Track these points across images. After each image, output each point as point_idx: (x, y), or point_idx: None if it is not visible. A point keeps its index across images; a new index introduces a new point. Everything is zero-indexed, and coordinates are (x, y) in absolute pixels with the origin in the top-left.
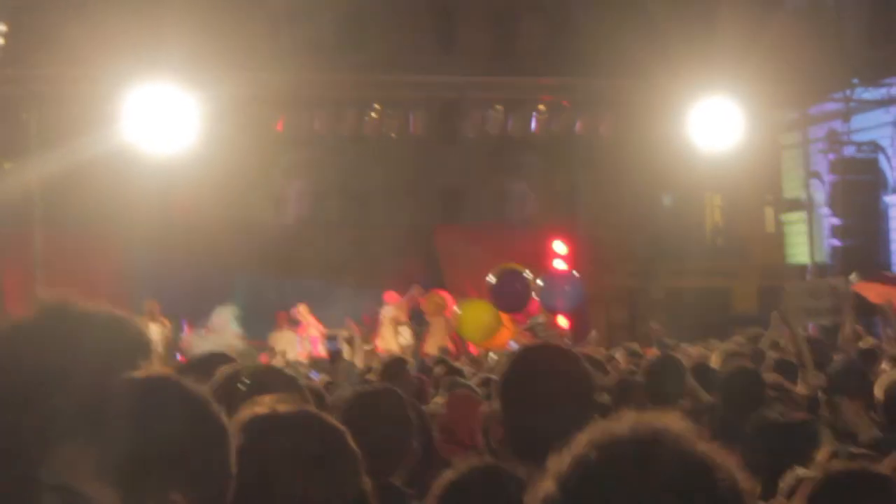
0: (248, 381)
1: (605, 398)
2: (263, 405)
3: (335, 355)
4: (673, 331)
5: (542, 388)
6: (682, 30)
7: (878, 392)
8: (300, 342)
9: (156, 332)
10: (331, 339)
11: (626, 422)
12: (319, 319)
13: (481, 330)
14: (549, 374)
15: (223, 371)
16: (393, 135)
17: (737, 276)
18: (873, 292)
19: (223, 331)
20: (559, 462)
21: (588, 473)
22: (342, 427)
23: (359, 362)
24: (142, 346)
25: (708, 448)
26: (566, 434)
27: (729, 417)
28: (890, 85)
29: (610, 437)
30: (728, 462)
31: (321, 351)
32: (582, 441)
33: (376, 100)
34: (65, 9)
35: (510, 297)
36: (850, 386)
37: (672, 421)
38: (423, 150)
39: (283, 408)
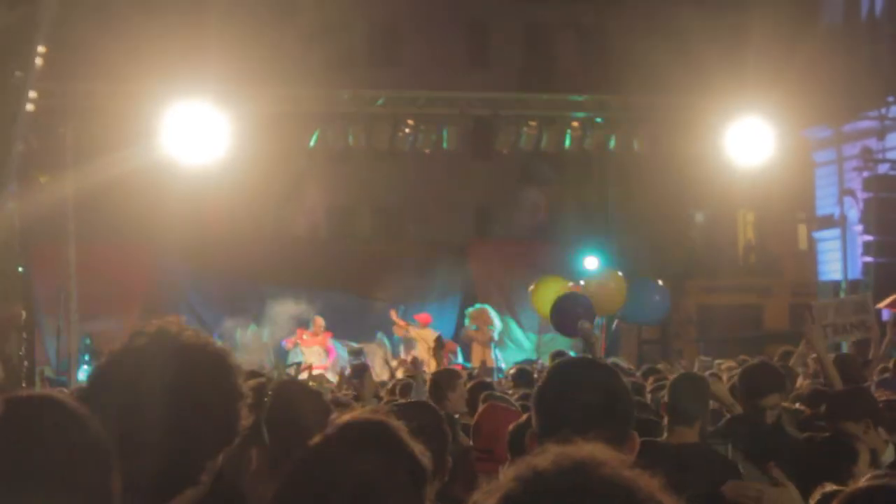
0: (271, 394)
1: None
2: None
3: (361, 370)
4: (704, 347)
5: (578, 403)
6: (716, 48)
7: None
8: (317, 355)
9: None
10: (356, 353)
11: (549, 454)
12: (348, 334)
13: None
14: (587, 388)
15: (249, 385)
16: (427, 150)
17: (769, 292)
18: None
19: (254, 346)
20: (485, 498)
21: None
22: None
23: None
24: None
25: (632, 474)
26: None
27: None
28: None
29: (533, 470)
30: (652, 486)
31: (327, 363)
32: (507, 476)
33: (410, 115)
34: (101, 25)
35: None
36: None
37: (596, 449)
38: (456, 165)
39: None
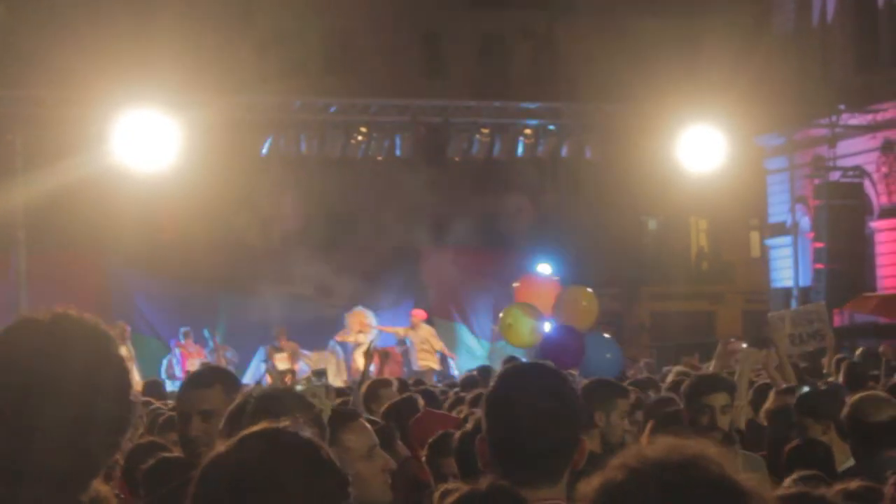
0: (254, 402)
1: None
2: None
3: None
4: (657, 353)
5: (528, 408)
6: (668, 55)
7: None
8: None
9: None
10: (319, 374)
11: (660, 445)
12: (300, 341)
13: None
14: (537, 393)
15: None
16: (379, 157)
17: (721, 299)
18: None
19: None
20: (589, 483)
21: (616, 496)
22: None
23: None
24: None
25: (740, 476)
26: (552, 453)
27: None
28: (875, 111)
29: (642, 460)
30: (761, 489)
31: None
32: (613, 464)
33: (363, 123)
34: (50, 32)
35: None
36: (821, 409)
37: (706, 446)
38: (409, 172)
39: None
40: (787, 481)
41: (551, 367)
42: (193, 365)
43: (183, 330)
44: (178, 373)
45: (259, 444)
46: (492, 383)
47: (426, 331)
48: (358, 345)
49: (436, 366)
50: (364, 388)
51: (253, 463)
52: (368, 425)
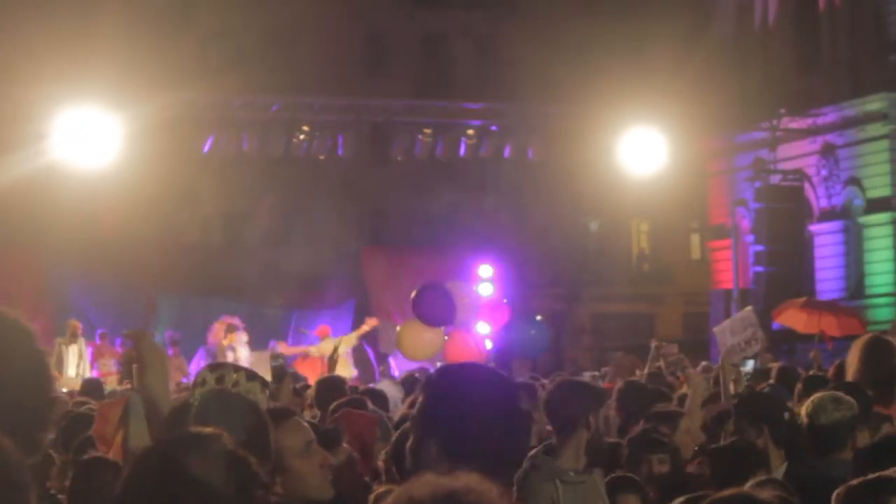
0: (199, 401)
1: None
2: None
3: (280, 374)
4: (597, 355)
5: (468, 407)
6: (611, 57)
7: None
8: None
9: (74, 352)
10: (276, 356)
11: (426, 484)
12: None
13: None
14: (476, 393)
15: (178, 398)
16: (321, 157)
17: (662, 301)
18: (800, 323)
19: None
20: None
21: None
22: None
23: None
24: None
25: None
26: (493, 454)
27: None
28: (815, 115)
29: (410, 500)
30: None
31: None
32: None
33: (305, 121)
34: None
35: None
36: (757, 412)
37: (472, 480)
38: (351, 172)
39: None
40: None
41: (488, 367)
42: (106, 366)
43: (100, 332)
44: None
45: (182, 450)
46: (434, 382)
47: (329, 344)
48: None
49: (348, 374)
50: (316, 389)
51: (176, 470)
52: (304, 423)
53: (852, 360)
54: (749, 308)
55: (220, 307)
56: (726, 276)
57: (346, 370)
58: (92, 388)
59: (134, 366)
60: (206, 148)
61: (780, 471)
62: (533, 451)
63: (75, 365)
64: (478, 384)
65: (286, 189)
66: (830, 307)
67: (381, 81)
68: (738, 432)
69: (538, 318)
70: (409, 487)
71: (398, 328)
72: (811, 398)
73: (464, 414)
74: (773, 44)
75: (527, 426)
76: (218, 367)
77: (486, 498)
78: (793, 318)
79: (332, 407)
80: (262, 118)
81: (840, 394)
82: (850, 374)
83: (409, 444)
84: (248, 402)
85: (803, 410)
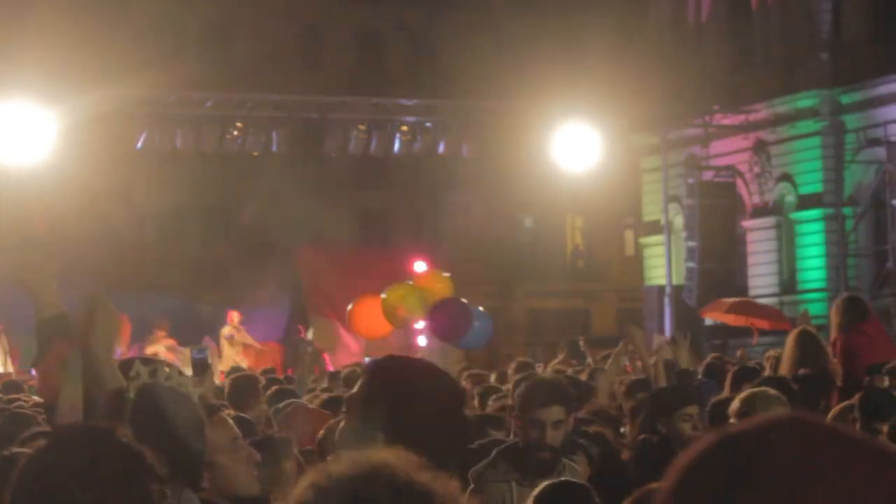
0: (134, 396)
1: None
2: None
3: (203, 366)
4: (531, 351)
5: (405, 400)
6: (545, 53)
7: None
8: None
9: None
10: (200, 350)
11: (344, 460)
12: (178, 336)
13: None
14: (416, 386)
15: (112, 388)
16: (255, 153)
17: (596, 297)
18: (729, 318)
19: None
20: None
21: None
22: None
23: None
24: None
25: (429, 478)
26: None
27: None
28: (748, 111)
29: (329, 476)
30: (450, 489)
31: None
32: (302, 483)
33: (239, 117)
34: None
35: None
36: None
37: (392, 455)
38: (285, 168)
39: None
40: None
41: (426, 363)
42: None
43: None
44: None
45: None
46: (378, 367)
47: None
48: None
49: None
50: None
51: (71, 463)
52: (229, 419)
53: (787, 354)
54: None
55: (154, 303)
56: (659, 272)
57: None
58: (12, 387)
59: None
60: (140, 144)
61: None
62: (499, 448)
63: (2, 363)
64: (423, 378)
65: (220, 186)
66: (756, 309)
67: (315, 77)
68: (645, 426)
69: (481, 308)
70: (328, 464)
71: (350, 307)
72: (742, 394)
73: (404, 405)
74: (707, 40)
75: (467, 429)
76: (150, 361)
77: (410, 473)
78: (720, 315)
79: (282, 405)
80: (195, 114)
81: (772, 390)
82: (785, 368)
83: (340, 425)
84: (182, 396)
85: (733, 406)
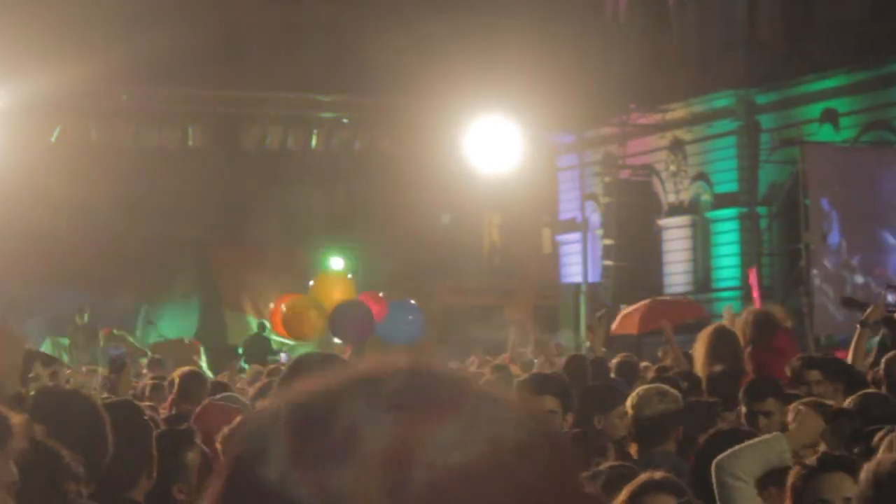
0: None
1: None
2: None
3: (119, 364)
4: (448, 347)
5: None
6: (464, 51)
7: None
8: None
9: None
10: (117, 347)
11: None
12: (95, 331)
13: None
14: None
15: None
16: (171, 147)
17: (513, 295)
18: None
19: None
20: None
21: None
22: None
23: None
24: None
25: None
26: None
27: None
28: (664, 110)
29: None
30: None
31: None
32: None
33: (154, 111)
34: None
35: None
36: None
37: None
38: (202, 163)
39: None
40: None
41: (337, 356)
42: None
43: None
44: None
45: None
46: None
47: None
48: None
49: None
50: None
51: None
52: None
53: (699, 351)
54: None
55: (67, 298)
56: (575, 270)
57: None
58: None
59: None
60: (54, 138)
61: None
62: None
63: None
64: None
65: (135, 180)
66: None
67: (231, 72)
68: (579, 421)
69: (412, 301)
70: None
71: (283, 307)
72: (636, 390)
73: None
74: (624, 39)
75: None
76: (52, 362)
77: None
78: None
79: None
80: (111, 107)
81: (665, 386)
82: (698, 365)
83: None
84: (82, 397)
85: (628, 403)
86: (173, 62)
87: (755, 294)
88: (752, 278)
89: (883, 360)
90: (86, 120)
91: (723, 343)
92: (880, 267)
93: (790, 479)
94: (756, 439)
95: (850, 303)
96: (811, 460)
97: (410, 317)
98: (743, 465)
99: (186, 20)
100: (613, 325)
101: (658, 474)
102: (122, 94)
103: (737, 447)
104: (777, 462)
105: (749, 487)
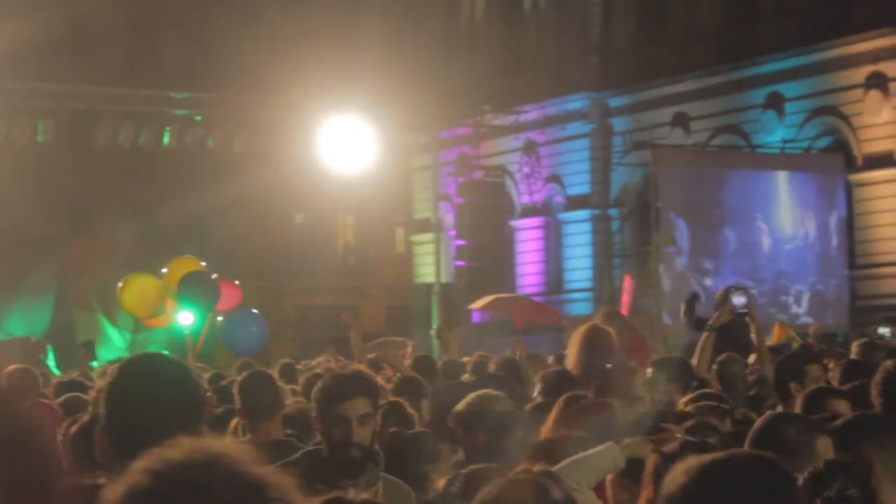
0: None
1: None
2: None
3: None
4: (302, 347)
5: (149, 396)
6: (321, 51)
7: None
8: None
9: None
10: None
11: (181, 447)
12: None
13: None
14: (157, 382)
15: None
16: (21, 143)
17: (366, 294)
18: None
19: None
20: (114, 490)
21: (142, 500)
22: None
23: None
24: None
25: (264, 471)
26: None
27: None
28: (519, 112)
29: (165, 462)
30: (283, 482)
31: None
32: (137, 467)
33: (4, 106)
34: None
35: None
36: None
37: (227, 445)
38: (53, 159)
39: None
40: None
41: (173, 358)
42: None
43: None
44: None
45: None
46: (112, 374)
47: None
48: None
49: None
50: None
51: None
52: None
53: (571, 350)
54: None
55: None
56: (429, 270)
57: None
58: None
59: None
60: None
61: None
62: (293, 458)
63: None
64: (159, 376)
65: None
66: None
67: (84, 67)
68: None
69: (255, 311)
70: (164, 451)
71: (119, 285)
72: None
73: (137, 407)
74: (480, 42)
75: (202, 419)
76: None
77: (246, 463)
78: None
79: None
80: None
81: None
82: (570, 364)
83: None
84: None
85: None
86: (23, 57)
87: (625, 299)
88: (627, 283)
89: (715, 362)
90: None
91: (593, 342)
92: (727, 268)
93: (649, 467)
94: (589, 451)
95: (699, 324)
96: (671, 447)
97: (255, 328)
98: (578, 477)
99: (36, 14)
100: (484, 303)
101: None
102: None
103: (569, 460)
104: (611, 469)
105: (587, 493)
